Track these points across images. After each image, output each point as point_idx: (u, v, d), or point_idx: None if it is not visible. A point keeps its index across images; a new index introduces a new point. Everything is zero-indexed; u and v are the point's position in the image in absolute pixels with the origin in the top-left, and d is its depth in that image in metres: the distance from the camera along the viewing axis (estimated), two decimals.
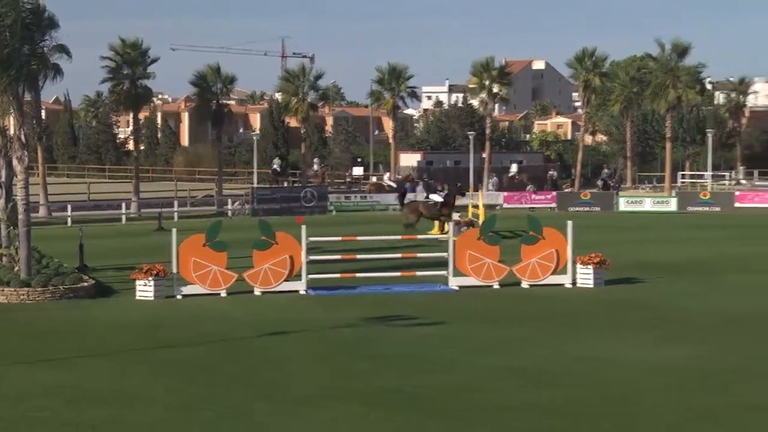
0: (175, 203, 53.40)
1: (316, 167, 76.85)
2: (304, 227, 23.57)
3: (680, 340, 17.32)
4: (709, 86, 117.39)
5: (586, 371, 14.80)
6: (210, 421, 12.42)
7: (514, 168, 69.90)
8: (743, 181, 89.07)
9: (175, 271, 23.09)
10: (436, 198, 39.66)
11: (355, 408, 12.77)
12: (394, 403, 13.04)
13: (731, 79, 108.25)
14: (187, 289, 23.02)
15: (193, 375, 14.94)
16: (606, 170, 69.65)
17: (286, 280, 23.52)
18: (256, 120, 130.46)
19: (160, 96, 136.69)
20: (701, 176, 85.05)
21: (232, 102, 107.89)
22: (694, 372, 14.72)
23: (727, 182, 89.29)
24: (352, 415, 12.45)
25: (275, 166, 68.85)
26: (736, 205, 59.30)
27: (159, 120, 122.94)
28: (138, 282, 22.86)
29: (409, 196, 59.90)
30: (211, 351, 16.82)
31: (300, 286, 23.56)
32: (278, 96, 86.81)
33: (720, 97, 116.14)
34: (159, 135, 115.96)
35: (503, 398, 13.24)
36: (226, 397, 13.52)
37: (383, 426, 12.07)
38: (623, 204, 59.22)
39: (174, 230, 23.47)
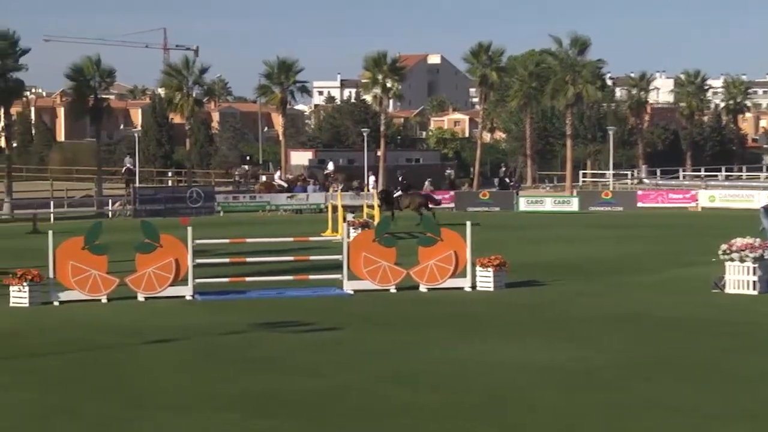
0: (51, 204, 52.65)
1: (247, 167, 75.64)
2: (190, 229, 23.39)
3: (573, 342, 17.69)
4: (609, 82, 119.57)
5: (473, 374, 15.05)
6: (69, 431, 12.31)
7: (330, 166, 69.05)
8: (646, 180, 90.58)
9: (51, 275, 22.71)
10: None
11: (231, 415, 12.79)
12: (274, 410, 13.10)
13: (632, 75, 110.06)
14: (65, 295, 22.67)
15: (59, 384, 14.73)
16: (503, 169, 70.12)
17: (171, 285, 23.32)
18: (137, 116, 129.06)
19: (33, 90, 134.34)
20: (603, 175, 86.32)
21: (112, 97, 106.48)
22: (581, 373, 15.12)
23: (629, 181, 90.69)
24: (226, 422, 12.47)
25: (128, 165, 64.57)
26: (639, 204, 60.45)
27: (33, 115, 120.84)
28: (12, 288, 22.43)
29: (301, 196, 59.90)
30: (82, 359, 16.59)
31: (186, 291, 23.38)
32: (161, 91, 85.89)
33: (621, 94, 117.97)
34: (33, 131, 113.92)
35: (386, 403, 13.40)
36: (91, 406, 13.39)
37: None
38: (523, 204, 59.96)
39: (50, 232, 23.04)
